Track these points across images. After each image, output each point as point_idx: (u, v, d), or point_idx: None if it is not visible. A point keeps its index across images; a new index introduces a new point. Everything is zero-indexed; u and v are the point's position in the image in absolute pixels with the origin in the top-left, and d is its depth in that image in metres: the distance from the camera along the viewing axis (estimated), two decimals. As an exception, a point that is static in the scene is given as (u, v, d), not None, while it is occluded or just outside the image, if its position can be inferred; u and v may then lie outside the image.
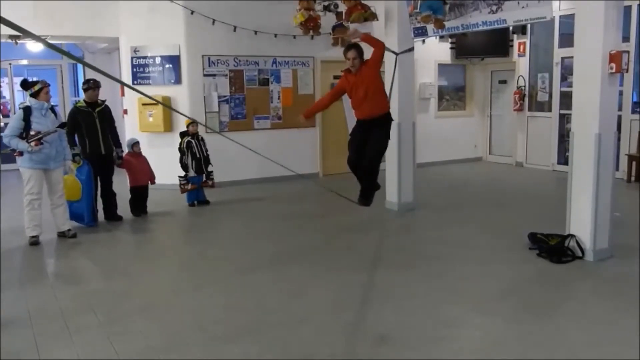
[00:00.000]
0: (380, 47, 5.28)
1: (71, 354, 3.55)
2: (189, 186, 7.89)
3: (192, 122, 7.96)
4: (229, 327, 3.94)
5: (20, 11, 8.59)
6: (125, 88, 9.62)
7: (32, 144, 5.85)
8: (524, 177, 10.24)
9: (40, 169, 6.05)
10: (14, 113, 10.10)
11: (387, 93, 6.30)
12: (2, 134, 9.67)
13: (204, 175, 8.00)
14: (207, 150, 8.00)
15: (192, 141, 7.84)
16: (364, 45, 5.24)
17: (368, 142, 5.34)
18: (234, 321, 4.05)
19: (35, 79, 6.33)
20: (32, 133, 5.90)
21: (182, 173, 7.89)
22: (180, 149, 7.87)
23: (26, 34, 2.64)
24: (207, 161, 7.99)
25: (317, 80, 10.21)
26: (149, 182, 7.53)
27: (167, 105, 4.27)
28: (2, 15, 8.20)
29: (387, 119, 5.44)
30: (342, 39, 8.96)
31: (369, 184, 5.44)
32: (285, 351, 3.57)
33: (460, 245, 5.89)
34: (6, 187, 9.92)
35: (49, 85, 6.18)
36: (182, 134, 7.96)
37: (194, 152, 7.83)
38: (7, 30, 8.78)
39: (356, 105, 5.41)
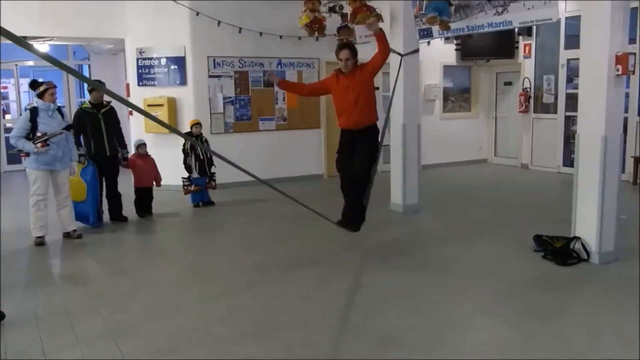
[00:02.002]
0: (386, 53, 5.04)
1: (76, 355, 3.56)
2: (192, 187, 7.90)
3: (196, 124, 7.98)
4: (233, 328, 3.94)
5: (26, 13, 8.63)
6: (131, 89, 9.66)
7: (38, 145, 5.87)
8: (529, 179, 10.21)
9: (47, 170, 6.07)
10: (21, 114, 10.14)
11: (390, 95, 6.22)
12: (8, 135, 9.72)
13: (208, 176, 8.01)
14: (210, 151, 8.01)
15: (197, 142, 7.85)
16: (363, 48, 5.22)
17: (357, 156, 5.06)
18: (239, 322, 4.05)
19: (41, 80, 6.35)
20: (38, 134, 5.92)
21: (186, 174, 7.90)
22: (184, 150, 7.89)
23: (22, 44, 2.65)
24: (210, 162, 8.00)
25: (322, 81, 10.22)
26: (154, 184, 7.54)
27: (149, 115, 3.94)
28: (8, 16, 8.24)
29: (375, 130, 5.16)
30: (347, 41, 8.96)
31: (358, 204, 5.16)
32: (290, 352, 3.57)
33: (465, 246, 5.87)
34: (12, 187, 9.97)
35: (55, 86, 6.19)
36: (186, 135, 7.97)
37: (197, 154, 7.85)
38: (12, 31, 8.82)
39: (343, 111, 5.12)
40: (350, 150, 5.13)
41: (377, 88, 10.17)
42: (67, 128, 6.22)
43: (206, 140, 8.03)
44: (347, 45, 5.16)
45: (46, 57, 2.94)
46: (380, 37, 5.01)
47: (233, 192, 8.80)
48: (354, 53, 5.06)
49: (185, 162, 7.87)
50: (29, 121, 5.92)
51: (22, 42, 2.64)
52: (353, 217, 5.24)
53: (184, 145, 7.90)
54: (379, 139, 5.24)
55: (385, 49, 5.03)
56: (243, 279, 5.00)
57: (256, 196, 8.71)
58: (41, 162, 6.00)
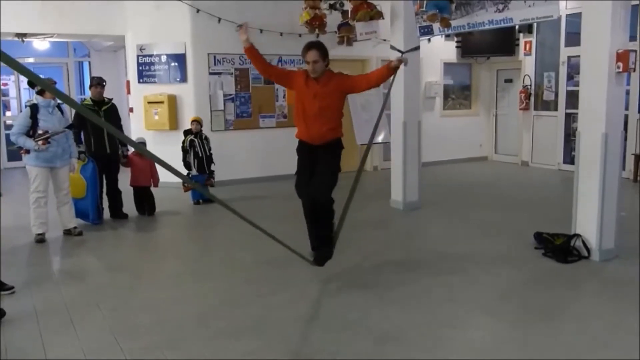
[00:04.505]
0: (375, 85, 4.51)
1: (77, 350, 3.56)
2: (190, 185, 7.85)
3: (195, 121, 7.97)
4: (232, 324, 3.94)
5: (27, 9, 8.62)
6: (132, 86, 9.65)
7: (39, 142, 5.87)
8: (530, 177, 10.21)
9: (47, 167, 6.07)
10: (21, 111, 10.14)
11: (388, 91, 6.00)
12: (8, 132, 9.67)
13: (207, 173, 8.00)
14: (210, 149, 8.00)
15: (195, 140, 7.85)
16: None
17: (316, 176, 4.45)
18: (238, 318, 4.05)
19: (41, 76, 6.34)
20: (40, 132, 5.92)
21: (185, 171, 7.89)
22: (183, 148, 7.88)
23: (20, 70, 2.67)
24: (209, 160, 8.00)
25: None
26: (151, 184, 7.49)
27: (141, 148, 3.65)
28: (9, 12, 8.17)
29: (337, 146, 4.55)
30: (348, 38, 8.96)
31: (325, 227, 4.63)
32: (289, 348, 3.57)
33: (465, 244, 5.87)
34: (12, 184, 9.97)
35: (55, 82, 6.20)
36: (186, 133, 7.97)
37: (196, 151, 7.84)
38: (13, 28, 8.82)
39: (304, 120, 4.45)
40: (310, 171, 4.51)
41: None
42: (70, 127, 6.21)
43: (206, 138, 8.02)
44: (315, 45, 4.40)
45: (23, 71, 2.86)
46: (390, 73, 4.49)
47: (232, 190, 8.80)
48: (323, 55, 4.36)
49: (184, 160, 7.86)
50: (29, 118, 5.92)
51: (23, 68, 2.66)
52: (323, 240, 4.73)
53: (183, 142, 7.90)
54: (340, 154, 4.63)
55: (378, 82, 4.51)
56: (242, 276, 5.00)
57: (256, 193, 8.72)
58: (41, 159, 6.00)
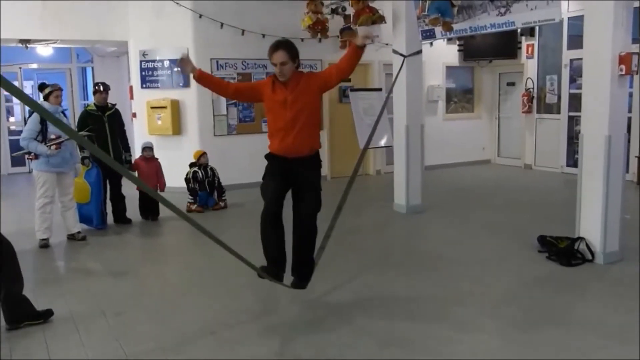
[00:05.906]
0: (348, 72, 3.88)
1: (81, 356, 3.57)
2: (194, 207, 7.81)
3: (203, 154, 7.99)
4: (237, 329, 3.94)
5: (29, 15, 8.66)
6: (135, 91, 9.68)
7: (53, 147, 5.89)
8: (533, 180, 10.20)
9: (55, 172, 6.08)
10: (24, 117, 10.17)
11: (388, 93, 5.86)
12: (12, 138, 9.69)
13: (216, 196, 8.03)
14: (218, 179, 8.01)
15: (198, 172, 7.87)
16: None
17: (299, 195, 4.00)
18: (243, 323, 4.06)
19: (46, 82, 6.37)
20: (52, 137, 5.93)
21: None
22: (186, 179, 7.89)
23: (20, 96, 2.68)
24: (220, 188, 8.02)
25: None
26: (157, 188, 7.46)
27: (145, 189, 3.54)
28: (11, 19, 8.20)
29: (317, 160, 4.05)
30: (350, 42, 8.94)
31: (307, 254, 4.12)
32: (294, 353, 3.58)
33: (469, 247, 5.87)
34: (16, 189, 10.00)
35: (61, 89, 6.23)
36: (192, 165, 7.99)
37: (200, 180, 7.87)
38: (15, 34, 8.86)
39: (276, 131, 3.93)
40: (282, 181, 3.99)
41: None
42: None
43: (212, 169, 8.01)
44: (282, 45, 3.80)
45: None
46: (358, 54, 3.81)
47: (236, 194, 8.80)
48: (292, 55, 3.80)
49: (188, 187, 7.88)
50: (39, 123, 5.93)
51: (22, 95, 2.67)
52: (303, 269, 4.14)
53: (187, 174, 7.88)
54: (320, 172, 4.14)
55: (351, 68, 3.85)
56: (245, 281, 4.99)
57: (258, 198, 8.69)
58: (52, 165, 6.02)
